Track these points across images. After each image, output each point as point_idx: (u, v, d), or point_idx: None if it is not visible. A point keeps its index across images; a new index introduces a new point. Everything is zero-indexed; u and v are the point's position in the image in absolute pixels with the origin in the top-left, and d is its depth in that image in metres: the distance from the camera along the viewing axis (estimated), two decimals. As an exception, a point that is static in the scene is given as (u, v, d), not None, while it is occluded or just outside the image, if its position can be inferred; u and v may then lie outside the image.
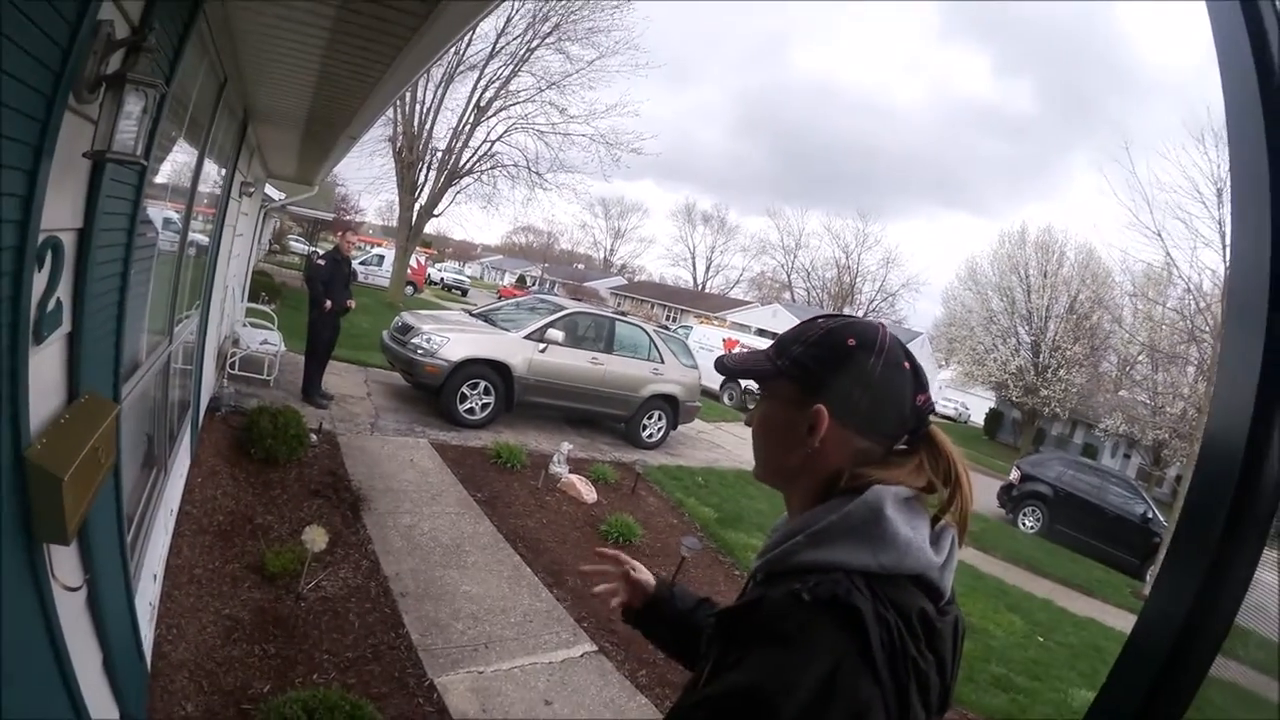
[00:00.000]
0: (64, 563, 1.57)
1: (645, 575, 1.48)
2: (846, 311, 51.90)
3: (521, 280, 56.61)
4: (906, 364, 0.95)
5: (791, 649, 0.76)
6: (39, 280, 1.34)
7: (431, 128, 22.91)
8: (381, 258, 28.82)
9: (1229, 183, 0.94)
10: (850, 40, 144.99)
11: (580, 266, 70.87)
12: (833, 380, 0.93)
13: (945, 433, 0.99)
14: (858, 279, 56.23)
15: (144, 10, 1.72)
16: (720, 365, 1.11)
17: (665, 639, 1.41)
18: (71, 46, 1.29)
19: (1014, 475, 15.38)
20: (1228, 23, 0.89)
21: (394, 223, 26.85)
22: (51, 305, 1.43)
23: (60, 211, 1.43)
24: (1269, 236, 0.81)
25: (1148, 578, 12.17)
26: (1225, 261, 11.84)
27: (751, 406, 1.07)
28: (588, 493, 7.16)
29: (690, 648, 1.32)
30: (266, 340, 8.45)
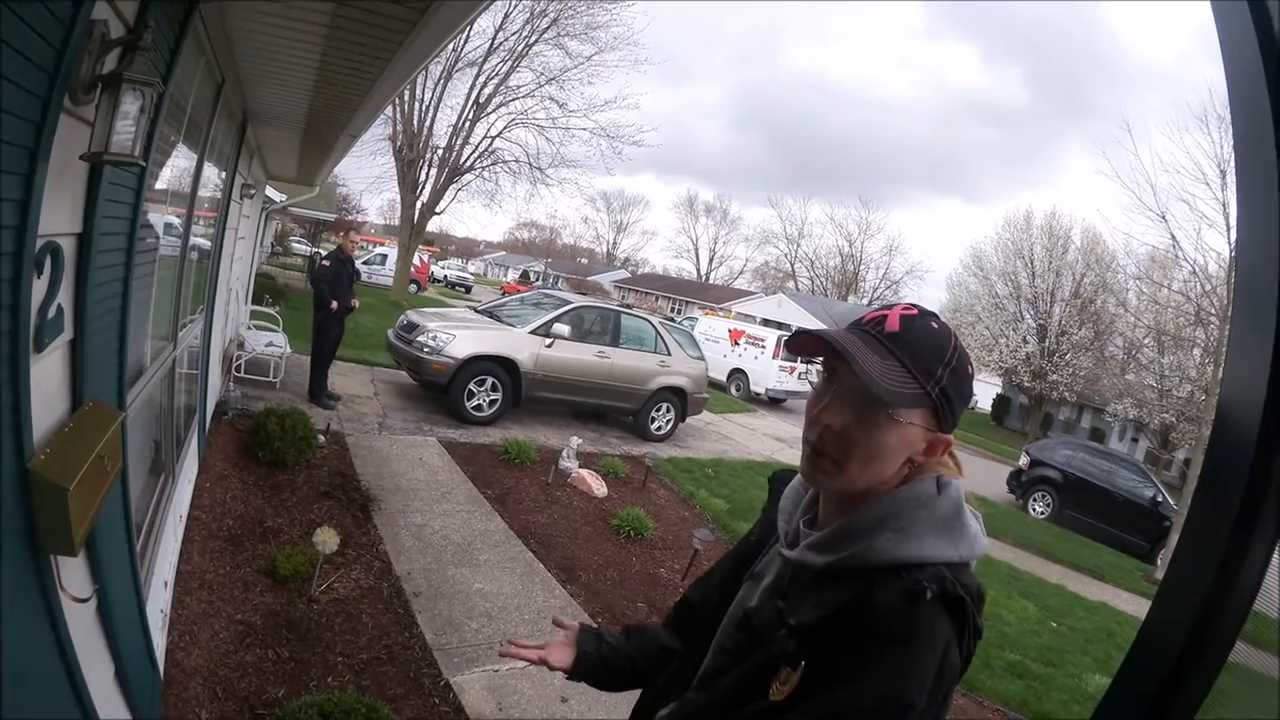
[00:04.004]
0: (72, 574, 1.55)
1: (561, 639, 1.38)
2: (850, 300, 51.86)
3: (525, 276, 56.52)
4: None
5: (918, 646, 0.82)
6: (39, 287, 1.31)
7: (431, 125, 22.92)
8: (384, 257, 28.86)
9: (1234, 177, 0.91)
10: (842, 36, 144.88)
11: (584, 261, 70.70)
12: (960, 410, 0.96)
13: None
14: (861, 267, 56.12)
15: (139, 9, 1.69)
16: (867, 376, 0.88)
17: (613, 682, 1.35)
18: (65, 46, 1.26)
19: (1023, 461, 15.37)
20: (1234, 22, 0.87)
21: (396, 221, 26.86)
22: (52, 312, 1.40)
23: (58, 216, 1.40)
24: (1278, 223, 0.80)
25: (1159, 561, 12.14)
26: (1230, 244, 11.76)
27: (832, 400, 0.95)
28: (598, 487, 7.14)
29: (642, 673, 1.32)
30: (271, 342, 8.44)
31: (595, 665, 1.32)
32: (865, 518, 0.93)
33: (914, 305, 0.99)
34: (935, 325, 0.96)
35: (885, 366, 0.91)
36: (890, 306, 0.98)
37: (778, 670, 0.89)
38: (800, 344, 0.99)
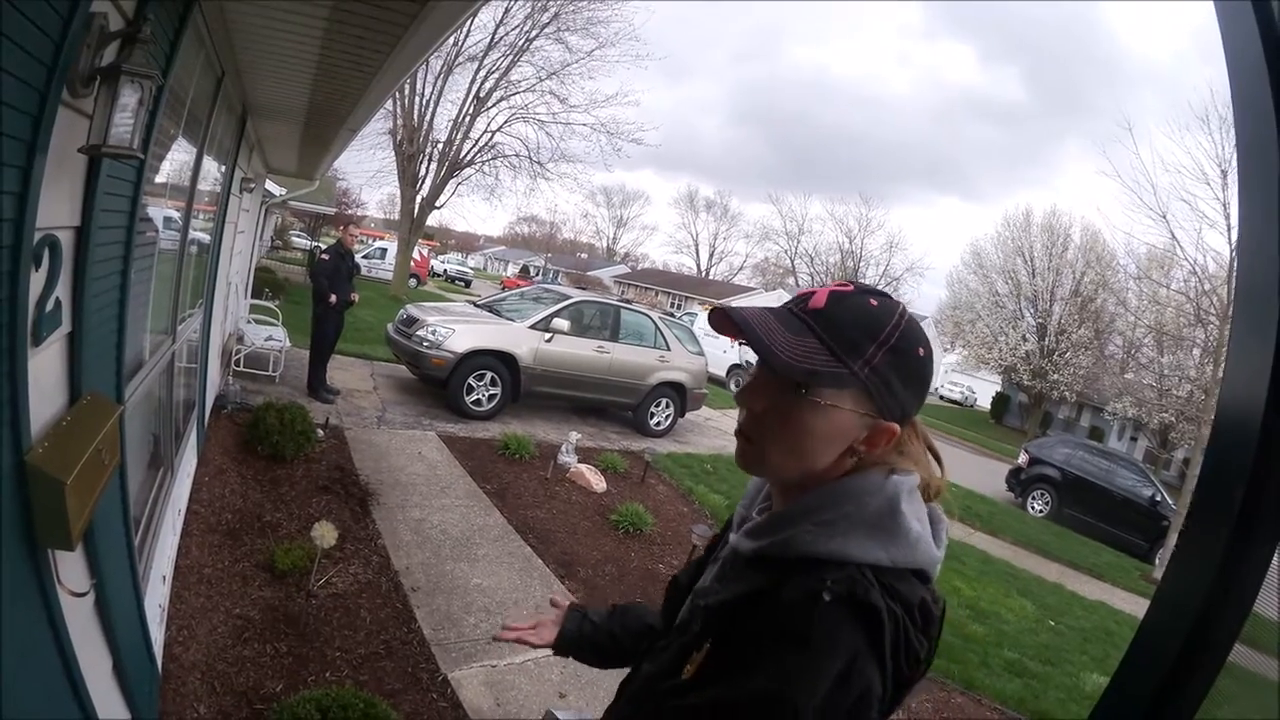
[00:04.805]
0: (70, 568, 1.55)
1: (551, 616, 1.44)
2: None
3: (525, 270, 56.48)
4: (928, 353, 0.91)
5: (812, 652, 0.74)
6: (36, 280, 1.30)
7: (431, 120, 22.87)
8: (384, 251, 28.78)
9: (1236, 176, 0.91)
10: (842, 35, 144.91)
11: (583, 256, 70.68)
12: (906, 398, 0.87)
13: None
14: (861, 263, 56.05)
15: (138, 2, 1.68)
16: (763, 347, 0.83)
17: (596, 658, 1.38)
18: (64, 39, 1.25)
19: (1022, 459, 15.38)
20: (1237, 21, 0.86)
21: (396, 216, 26.85)
22: (50, 305, 1.39)
23: (57, 209, 1.39)
24: (1278, 221, 0.79)
25: (1157, 561, 12.16)
26: (1230, 244, 11.76)
27: (753, 381, 0.92)
28: (597, 482, 7.14)
29: (624, 651, 1.33)
30: (271, 336, 8.43)
31: (576, 642, 1.37)
32: (794, 508, 0.87)
33: (853, 282, 0.92)
34: (874, 302, 0.87)
35: (795, 341, 0.84)
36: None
37: (695, 650, 0.86)
38: (716, 322, 0.94)
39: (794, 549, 0.83)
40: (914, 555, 0.83)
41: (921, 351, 0.87)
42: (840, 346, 0.84)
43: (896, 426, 0.86)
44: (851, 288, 0.90)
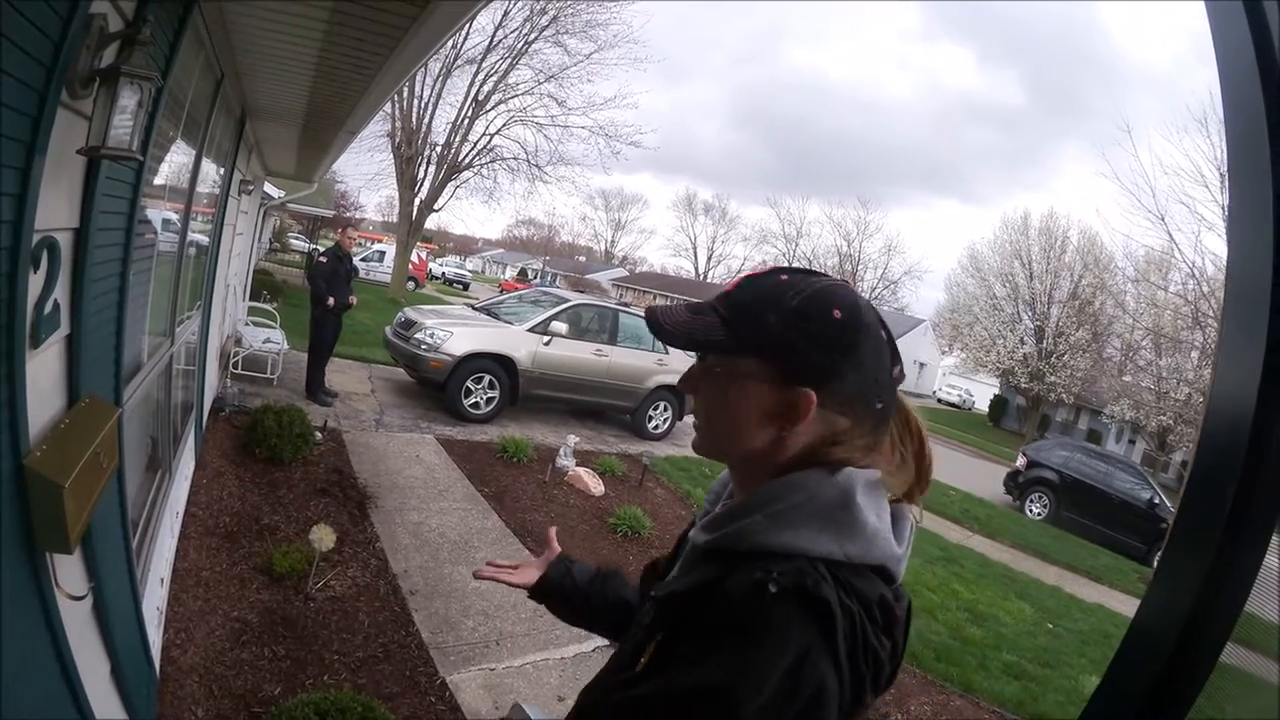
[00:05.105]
0: (68, 571, 1.54)
1: (535, 561, 1.44)
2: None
3: (523, 273, 56.47)
4: (884, 333, 0.88)
5: (759, 645, 0.72)
6: (35, 282, 1.30)
7: (430, 122, 22.89)
8: (382, 254, 28.78)
9: (1228, 177, 0.91)
10: (840, 38, 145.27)
11: (582, 259, 70.66)
12: (820, 361, 0.84)
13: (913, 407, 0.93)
14: (860, 267, 56.11)
15: (138, 4, 1.68)
16: (654, 325, 0.92)
17: (566, 614, 1.38)
18: (63, 40, 1.25)
19: (1020, 462, 15.38)
20: (1229, 23, 0.87)
21: (394, 218, 26.82)
22: (49, 307, 1.38)
23: (55, 211, 1.39)
24: (1270, 225, 0.79)
25: (1154, 563, 12.16)
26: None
27: (686, 371, 0.95)
28: (595, 485, 7.13)
29: (595, 617, 1.34)
30: (269, 339, 8.42)
31: (553, 592, 1.36)
32: (749, 500, 0.86)
33: (781, 267, 0.94)
34: (785, 277, 0.89)
35: (692, 320, 0.90)
36: None
37: (649, 641, 0.84)
38: (653, 328, 0.96)
39: (745, 541, 0.82)
40: (870, 550, 0.81)
41: (838, 314, 0.85)
42: (739, 319, 0.87)
43: (812, 393, 0.83)
44: (769, 269, 0.92)
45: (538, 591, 1.37)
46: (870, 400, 0.86)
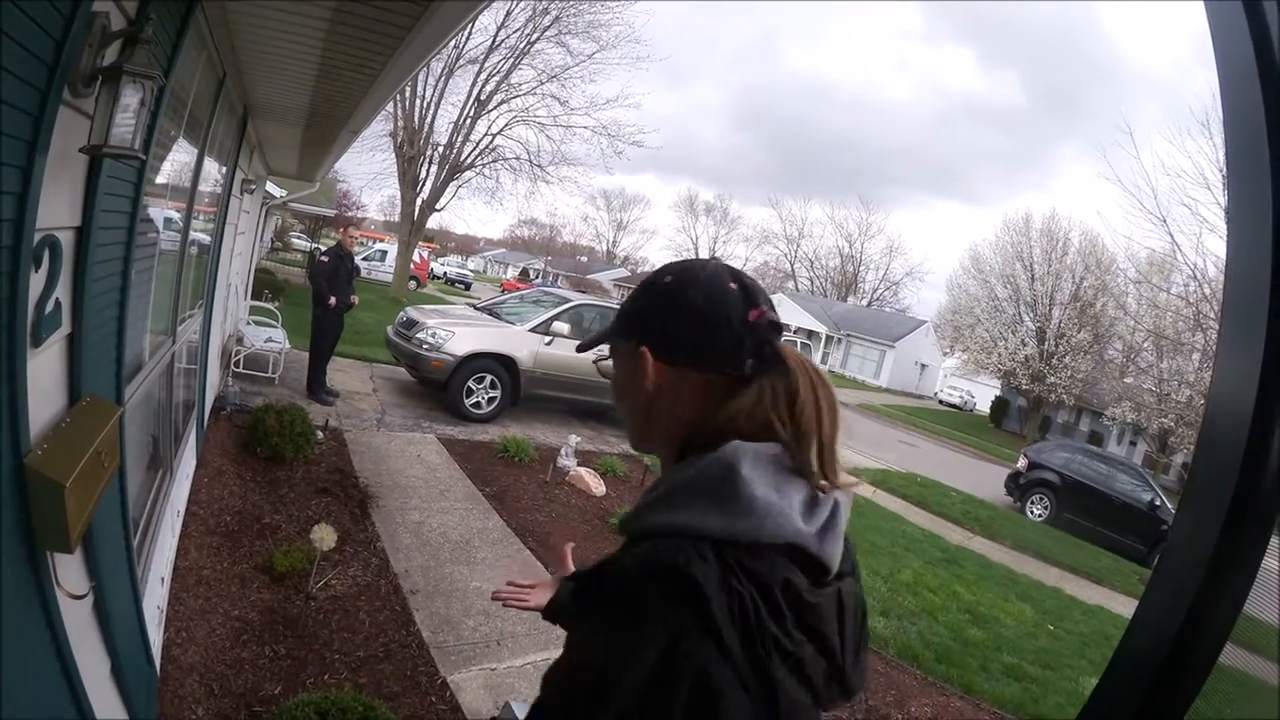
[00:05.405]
0: (68, 570, 1.54)
1: (549, 579, 1.47)
2: (850, 301, 51.86)
3: (525, 273, 56.44)
4: (734, 284, 0.88)
5: (626, 626, 0.70)
6: (36, 281, 1.30)
7: (432, 122, 22.92)
8: (384, 253, 28.80)
9: (1227, 179, 0.91)
10: (841, 40, 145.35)
11: (583, 259, 70.68)
12: (653, 319, 0.91)
13: (803, 355, 0.89)
14: (861, 268, 56.12)
15: (140, 2, 1.68)
16: (581, 348, 1.13)
17: None
18: (65, 38, 1.25)
19: (1021, 463, 15.36)
20: (1228, 23, 0.86)
21: (396, 218, 26.85)
22: (50, 306, 1.38)
23: (57, 209, 1.39)
24: (1270, 226, 0.79)
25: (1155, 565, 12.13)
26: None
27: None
28: (596, 485, 7.13)
29: None
30: (271, 338, 8.43)
31: (562, 613, 1.36)
32: (652, 485, 0.87)
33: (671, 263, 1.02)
34: (662, 272, 0.96)
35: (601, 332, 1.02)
36: None
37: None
38: None
39: (639, 523, 0.82)
40: (762, 526, 0.75)
41: (669, 278, 0.92)
42: (619, 315, 0.98)
43: (645, 347, 0.89)
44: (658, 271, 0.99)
45: (550, 613, 1.36)
46: (719, 348, 0.86)
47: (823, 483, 0.82)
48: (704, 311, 0.86)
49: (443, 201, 23.96)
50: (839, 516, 0.82)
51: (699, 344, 0.86)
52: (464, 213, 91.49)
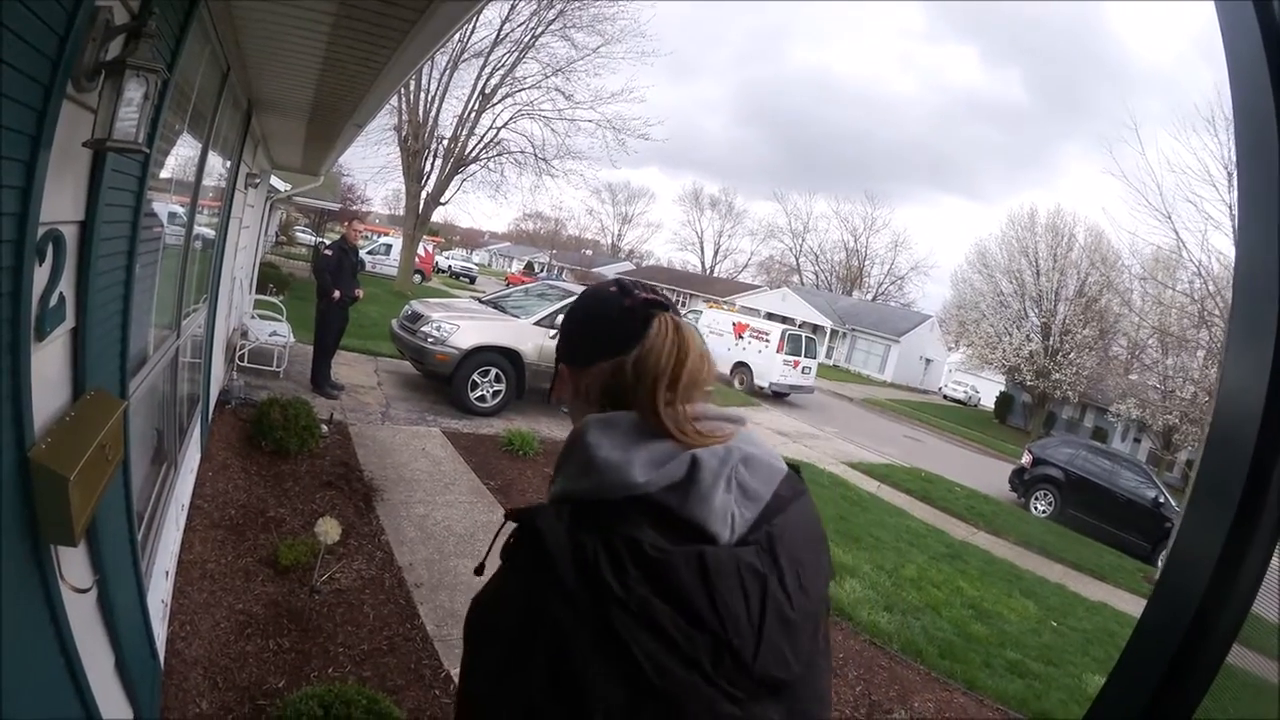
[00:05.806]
0: (72, 564, 1.54)
1: None
2: (855, 295, 51.77)
3: (529, 267, 56.51)
4: (613, 287, 1.00)
5: (503, 574, 0.81)
6: (40, 275, 1.30)
7: (437, 116, 22.91)
8: (389, 247, 28.81)
9: (1236, 177, 0.90)
10: (845, 36, 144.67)
11: (588, 252, 70.63)
12: (561, 340, 1.08)
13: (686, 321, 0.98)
14: (866, 262, 56.00)
15: (143, -4, 1.67)
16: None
17: None
18: (69, 32, 1.24)
19: (1025, 459, 15.32)
20: (1239, 21, 0.85)
21: (401, 212, 26.91)
22: (54, 300, 1.39)
23: (61, 203, 1.39)
24: (1278, 219, 0.79)
25: (1159, 563, 12.11)
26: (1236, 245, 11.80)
27: None
28: (599, 481, 7.11)
29: None
30: (275, 332, 8.43)
31: None
32: None
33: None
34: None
35: None
36: None
37: None
38: None
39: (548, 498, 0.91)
40: (600, 482, 0.81)
41: (592, 309, 1.02)
42: None
43: (563, 365, 1.06)
44: None
45: None
46: (603, 339, 0.96)
47: (681, 437, 0.85)
48: (587, 312, 1.02)
49: (447, 195, 23.97)
50: (701, 472, 0.82)
51: (591, 341, 0.98)
52: (469, 206, 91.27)
